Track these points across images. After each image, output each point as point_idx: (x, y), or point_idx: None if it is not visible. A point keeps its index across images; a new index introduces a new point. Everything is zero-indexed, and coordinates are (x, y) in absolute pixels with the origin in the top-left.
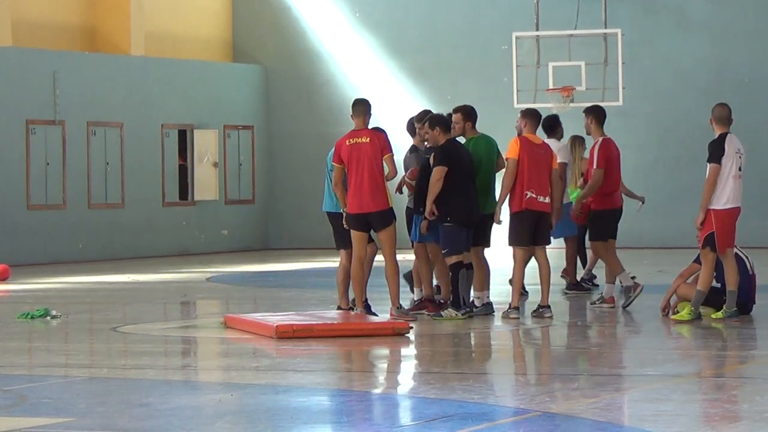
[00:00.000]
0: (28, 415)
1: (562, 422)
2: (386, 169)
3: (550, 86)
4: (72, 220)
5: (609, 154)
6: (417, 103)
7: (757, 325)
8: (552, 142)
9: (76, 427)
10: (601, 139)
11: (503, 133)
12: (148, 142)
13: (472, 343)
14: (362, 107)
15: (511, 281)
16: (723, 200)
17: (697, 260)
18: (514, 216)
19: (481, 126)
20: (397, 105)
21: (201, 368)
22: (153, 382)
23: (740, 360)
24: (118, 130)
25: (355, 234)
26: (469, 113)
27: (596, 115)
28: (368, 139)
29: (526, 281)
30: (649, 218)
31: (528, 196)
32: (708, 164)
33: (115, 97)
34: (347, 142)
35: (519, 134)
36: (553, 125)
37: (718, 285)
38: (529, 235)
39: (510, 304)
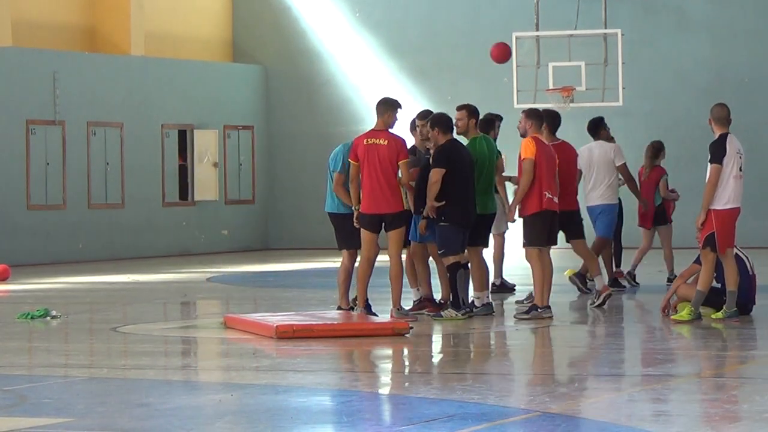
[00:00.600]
0: (28, 415)
1: (562, 422)
2: (400, 173)
3: (550, 86)
4: (72, 220)
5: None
6: (417, 103)
7: (757, 325)
8: (599, 144)
9: (76, 427)
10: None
11: (503, 133)
12: (148, 142)
13: (472, 343)
14: (381, 107)
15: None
16: (724, 200)
17: (698, 260)
18: (532, 217)
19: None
20: None
21: (201, 368)
22: (153, 382)
23: (740, 360)
24: (118, 130)
25: (365, 234)
26: (473, 111)
27: (548, 120)
28: (386, 141)
29: (523, 281)
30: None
31: (547, 197)
32: (709, 165)
33: (115, 97)
34: (365, 141)
35: (523, 135)
36: (597, 127)
37: (718, 285)
38: (547, 235)
39: (537, 306)
